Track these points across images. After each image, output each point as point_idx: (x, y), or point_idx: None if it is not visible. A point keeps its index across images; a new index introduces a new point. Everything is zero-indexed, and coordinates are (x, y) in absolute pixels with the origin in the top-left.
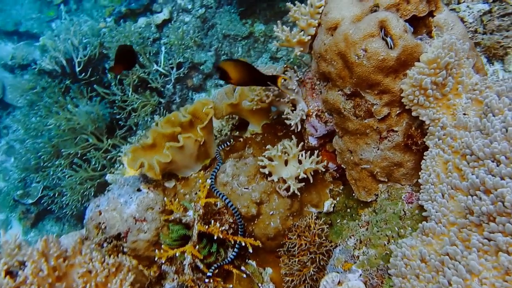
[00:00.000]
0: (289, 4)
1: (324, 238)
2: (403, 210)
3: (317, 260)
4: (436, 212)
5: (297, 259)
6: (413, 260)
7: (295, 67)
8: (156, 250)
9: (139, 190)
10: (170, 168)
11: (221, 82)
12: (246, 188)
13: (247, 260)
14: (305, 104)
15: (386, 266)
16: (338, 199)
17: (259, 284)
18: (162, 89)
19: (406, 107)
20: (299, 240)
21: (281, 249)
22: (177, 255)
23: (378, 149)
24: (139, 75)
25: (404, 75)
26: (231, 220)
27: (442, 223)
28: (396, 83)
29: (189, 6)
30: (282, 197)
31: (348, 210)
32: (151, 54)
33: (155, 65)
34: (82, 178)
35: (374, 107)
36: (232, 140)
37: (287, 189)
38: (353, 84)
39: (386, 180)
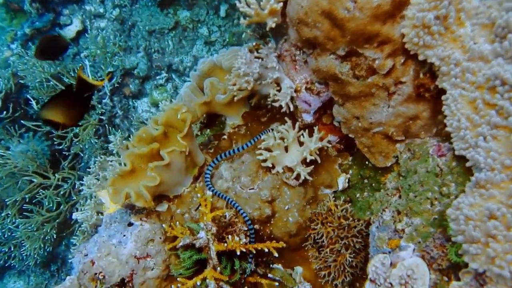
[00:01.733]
0: None
1: (351, 218)
2: (437, 166)
3: (352, 244)
4: (485, 159)
5: (328, 249)
6: (479, 220)
7: (270, 41)
8: (172, 286)
9: (130, 224)
10: (160, 190)
11: (161, 82)
12: (252, 189)
13: (271, 265)
14: (290, 80)
15: (442, 233)
16: (351, 172)
17: (298, 285)
18: (99, 105)
19: (411, 53)
20: (325, 228)
21: (307, 243)
22: (198, 284)
23: (388, 107)
24: None
25: (401, 17)
26: (245, 228)
27: (497, 170)
28: (395, 29)
29: (101, 10)
30: (293, 187)
31: (366, 181)
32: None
33: None
34: (38, 223)
35: (376, 62)
36: (213, 142)
37: (297, 177)
38: (347, 42)
39: (404, 138)
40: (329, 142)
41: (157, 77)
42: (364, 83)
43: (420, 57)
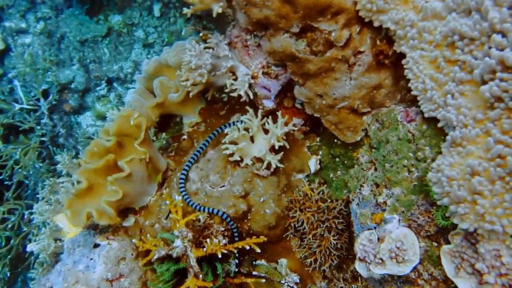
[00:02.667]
0: None
1: (328, 200)
2: (408, 132)
3: (334, 225)
4: (456, 116)
5: (310, 235)
6: (462, 179)
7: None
8: None
9: (96, 245)
10: (124, 203)
11: (103, 92)
12: (223, 186)
13: (254, 263)
14: (245, 67)
15: (425, 199)
16: (320, 153)
17: (282, 281)
18: (38, 127)
19: (366, 20)
20: (304, 214)
21: (288, 233)
22: None
23: (350, 80)
24: (2, 122)
25: None
26: (222, 228)
27: (470, 125)
28: None
29: (23, 25)
30: (265, 177)
31: (337, 159)
32: (5, 94)
33: (16, 105)
34: None
35: (332, 34)
36: (173, 144)
37: (268, 167)
38: (300, 18)
39: (369, 109)
40: (294, 125)
41: (98, 88)
42: (323, 58)
43: (375, 24)
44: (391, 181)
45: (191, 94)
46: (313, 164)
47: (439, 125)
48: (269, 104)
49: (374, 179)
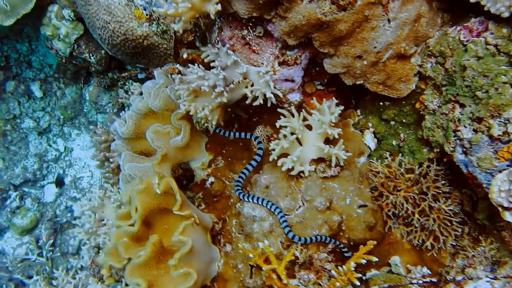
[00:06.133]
0: None
1: (416, 166)
2: (486, 45)
3: (438, 191)
4: None
5: (417, 215)
6: None
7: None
8: None
9: None
10: (199, 284)
11: (16, 203)
12: (300, 207)
13: (364, 277)
14: (256, 66)
15: None
16: (370, 124)
17: (409, 277)
18: None
19: None
20: (399, 196)
21: (388, 225)
22: None
23: (389, 22)
24: None
25: None
26: (325, 255)
27: None
28: None
29: None
30: (337, 176)
31: (392, 122)
32: None
33: None
34: None
35: None
36: (198, 195)
37: (336, 164)
38: None
39: (416, 48)
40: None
41: (7, 201)
42: (355, 9)
43: None
44: (499, 106)
45: (212, 123)
46: (370, 140)
47: None
48: (296, 96)
49: (470, 116)
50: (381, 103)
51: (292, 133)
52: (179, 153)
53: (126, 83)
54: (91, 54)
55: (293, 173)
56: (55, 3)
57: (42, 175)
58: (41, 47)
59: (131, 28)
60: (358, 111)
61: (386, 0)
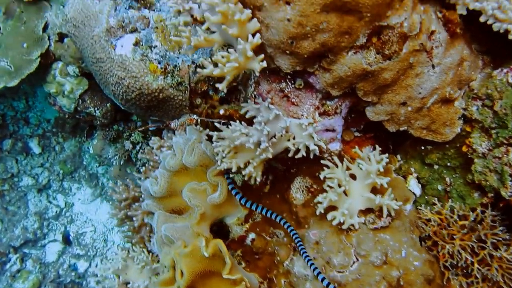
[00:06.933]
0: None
1: (470, 213)
2: None
3: (497, 238)
4: None
5: (476, 265)
6: None
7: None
8: None
9: None
10: None
11: (17, 266)
12: (354, 262)
13: None
14: (297, 118)
15: None
16: (413, 170)
17: None
18: None
19: None
20: (455, 245)
21: (446, 277)
22: None
23: (434, 67)
24: None
25: None
26: None
27: None
28: None
29: None
30: (387, 227)
31: (436, 166)
32: None
33: None
34: None
35: (405, 24)
36: (236, 253)
37: (383, 214)
38: (367, 23)
39: (459, 90)
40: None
41: (7, 265)
42: (400, 58)
43: None
44: None
45: (256, 179)
46: (414, 185)
47: None
48: (336, 146)
49: None
50: (422, 147)
51: (339, 185)
52: (216, 210)
53: (132, 134)
54: (96, 108)
55: (344, 227)
56: (59, 61)
57: (43, 234)
58: (38, 103)
59: (146, 82)
60: (398, 156)
61: (430, 47)
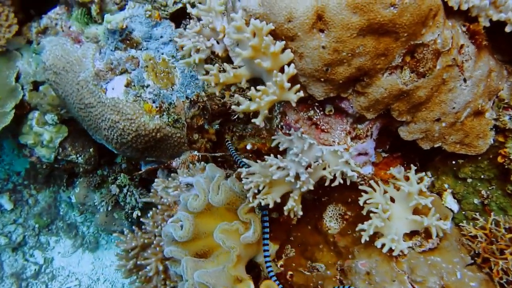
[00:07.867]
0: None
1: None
2: None
3: None
4: None
5: None
6: None
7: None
8: None
9: None
10: None
11: None
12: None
13: None
14: (329, 145)
15: None
16: (447, 186)
17: None
18: None
19: (454, 9)
20: (508, 260)
21: None
22: None
23: (465, 81)
24: None
25: None
26: None
27: None
28: None
29: None
30: (436, 248)
31: (470, 180)
32: None
33: None
34: None
35: (438, 41)
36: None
37: (436, 234)
38: (403, 43)
39: (489, 101)
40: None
41: None
42: (434, 74)
43: (464, 6)
44: None
45: (298, 213)
46: (451, 202)
47: None
48: (369, 169)
49: None
50: (453, 162)
51: (375, 213)
52: (250, 249)
53: (118, 177)
54: (78, 155)
55: (395, 253)
56: (35, 110)
57: None
58: (5, 156)
59: (142, 123)
60: (429, 173)
61: (461, 61)
